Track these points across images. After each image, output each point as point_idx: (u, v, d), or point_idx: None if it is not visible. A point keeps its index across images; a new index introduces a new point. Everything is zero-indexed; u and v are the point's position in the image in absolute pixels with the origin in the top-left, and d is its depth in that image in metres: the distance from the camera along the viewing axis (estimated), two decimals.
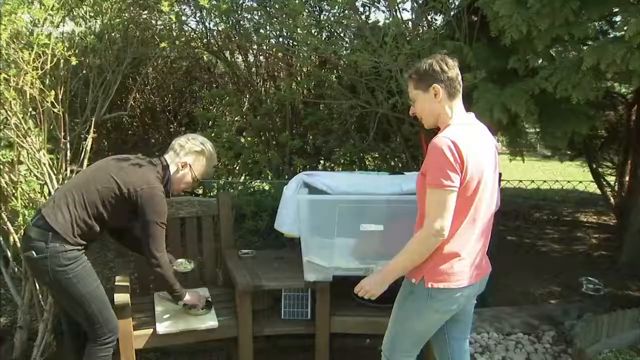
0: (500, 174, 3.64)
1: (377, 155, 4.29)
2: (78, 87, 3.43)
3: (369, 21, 3.80)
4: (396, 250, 2.12)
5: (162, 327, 2.67)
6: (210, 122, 4.81)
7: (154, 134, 6.03)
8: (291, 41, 3.91)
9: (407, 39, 3.48)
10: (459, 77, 2.06)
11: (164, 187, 2.52)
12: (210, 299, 2.90)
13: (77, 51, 3.18)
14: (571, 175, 8.57)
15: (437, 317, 2.12)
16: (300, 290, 2.96)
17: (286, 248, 3.66)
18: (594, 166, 5.75)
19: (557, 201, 7.27)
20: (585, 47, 2.99)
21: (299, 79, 4.11)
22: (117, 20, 3.20)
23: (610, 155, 6.13)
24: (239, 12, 3.78)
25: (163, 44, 3.17)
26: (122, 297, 2.56)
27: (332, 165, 4.44)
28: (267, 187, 4.34)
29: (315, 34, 3.39)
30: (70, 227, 2.35)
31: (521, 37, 2.99)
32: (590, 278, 4.20)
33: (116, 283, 2.68)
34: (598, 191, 5.93)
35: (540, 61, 3.19)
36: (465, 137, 1.95)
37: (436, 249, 2.00)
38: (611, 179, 5.92)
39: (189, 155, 2.63)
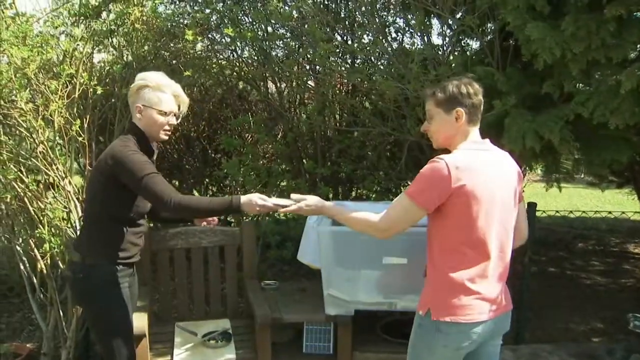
0: (534, 204, 3.50)
1: (408, 183, 4.18)
2: (108, 116, 3.46)
3: (399, 46, 3.74)
4: (421, 284, 2.04)
5: None
6: (242, 149, 4.80)
7: (189, 161, 6.09)
8: (319, 67, 3.87)
9: (437, 65, 3.39)
10: (481, 105, 2.00)
11: (139, 143, 2.27)
12: (230, 331, 2.84)
13: (107, 80, 3.23)
14: (619, 203, 8.20)
15: (448, 354, 1.97)
16: (322, 324, 2.86)
17: (311, 279, 3.57)
18: None
19: (603, 230, 6.94)
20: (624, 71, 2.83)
21: (328, 105, 4.05)
22: (146, 48, 3.23)
23: None
24: (266, 41, 3.77)
25: (187, 73, 3.17)
26: (140, 326, 2.52)
27: (363, 192, 4.34)
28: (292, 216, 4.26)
29: (340, 60, 3.34)
30: (94, 241, 2.28)
31: (555, 61, 2.87)
32: (638, 315, 3.95)
33: (136, 312, 2.64)
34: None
35: (578, 85, 3.04)
36: (469, 161, 1.88)
37: (441, 278, 1.93)
38: None
39: (135, 99, 2.29)
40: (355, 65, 3.76)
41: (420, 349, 2.02)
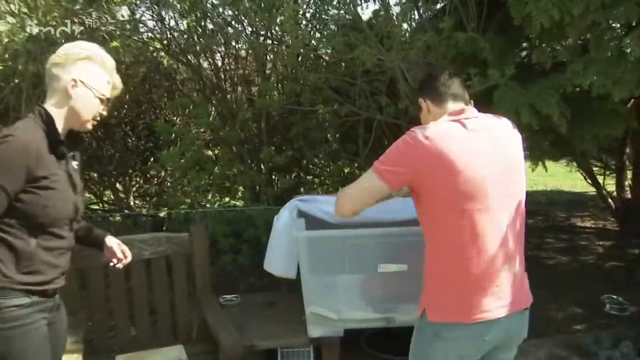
0: None
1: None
2: (10, 101, 2.77)
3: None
4: None
5: None
6: (174, 136, 4.19)
7: (109, 149, 5.36)
8: (269, 40, 3.34)
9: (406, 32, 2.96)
10: (444, 79, 1.85)
11: (49, 131, 1.68)
12: None
13: (7, 56, 2.55)
14: (553, 176, 8.24)
15: None
16: (300, 346, 2.38)
17: (278, 288, 3.04)
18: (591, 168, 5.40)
19: (545, 204, 6.90)
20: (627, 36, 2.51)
21: (279, 84, 3.54)
22: (56, 14, 2.55)
23: (600, 155, 5.78)
24: (207, 5, 3.17)
25: (114, 43, 2.54)
26: None
27: (324, 182, 3.87)
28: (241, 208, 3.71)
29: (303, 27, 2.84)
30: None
31: (552, 25, 2.50)
32: (612, 296, 3.78)
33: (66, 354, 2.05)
34: (585, 192, 5.57)
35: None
36: (443, 129, 1.68)
37: (434, 272, 1.73)
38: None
39: (66, 70, 1.71)
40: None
41: (419, 356, 1.76)
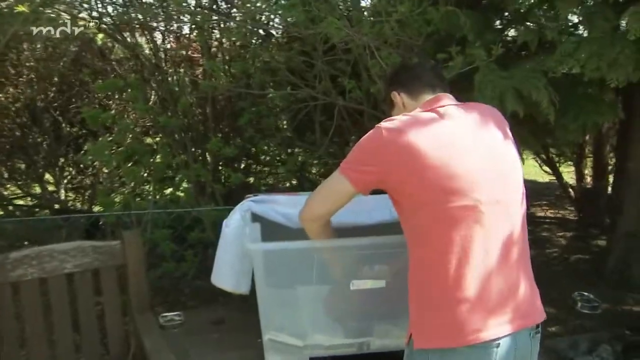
0: None
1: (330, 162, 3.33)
2: None
3: None
4: (405, 311, 1.45)
5: None
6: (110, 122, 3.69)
7: (36, 137, 4.80)
8: (215, 14, 2.90)
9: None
10: (420, 70, 1.69)
11: None
12: None
13: None
14: None
15: None
16: None
17: (227, 303, 2.61)
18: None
19: None
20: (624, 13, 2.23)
21: (226, 65, 3.12)
22: None
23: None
24: None
25: (20, 7, 2.05)
26: None
27: (275, 173, 3.48)
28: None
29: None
30: None
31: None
32: (583, 293, 3.59)
33: None
34: (538, 180, 5.44)
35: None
36: (415, 121, 1.45)
37: (415, 291, 1.44)
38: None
39: None
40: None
41: None
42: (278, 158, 3.98)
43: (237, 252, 1.96)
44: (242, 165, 3.87)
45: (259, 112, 3.16)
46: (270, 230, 1.98)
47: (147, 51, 3.80)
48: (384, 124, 1.45)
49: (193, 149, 3.46)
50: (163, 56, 3.78)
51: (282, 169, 3.80)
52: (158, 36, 3.81)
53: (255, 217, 2.02)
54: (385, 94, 1.71)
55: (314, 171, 3.79)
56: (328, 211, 1.57)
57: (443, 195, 1.36)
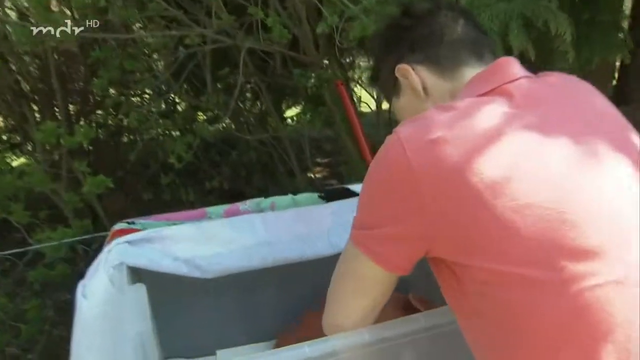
0: None
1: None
2: None
3: None
4: None
5: None
6: None
7: None
8: None
9: None
10: (444, 18, 0.89)
11: None
12: None
13: None
14: None
15: None
16: None
17: None
18: None
19: None
20: None
21: None
22: None
23: None
24: None
25: None
26: None
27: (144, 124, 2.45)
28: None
29: None
30: None
31: None
32: None
33: None
34: None
35: None
36: (475, 121, 0.73)
37: None
38: None
39: None
40: None
41: None
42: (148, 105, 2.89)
43: (106, 336, 1.10)
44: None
45: (126, 65, 2.11)
46: (167, 290, 1.13)
47: None
48: (405, 130, 0.76)
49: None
50: None
51: (152, 120, 2.65)
52: None
53: (135, 273, 1.15)
54: (383, 71, 0.99)
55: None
56: (363, 311, 0.87)
57: (532, 247, 0.71)
